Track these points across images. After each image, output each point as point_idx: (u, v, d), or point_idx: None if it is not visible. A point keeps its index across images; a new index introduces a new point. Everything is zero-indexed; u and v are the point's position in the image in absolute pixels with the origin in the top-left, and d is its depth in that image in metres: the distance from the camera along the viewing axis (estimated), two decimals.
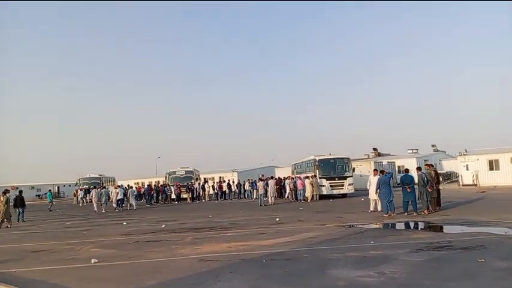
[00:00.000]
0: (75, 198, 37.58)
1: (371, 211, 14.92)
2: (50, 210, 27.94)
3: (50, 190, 33.34)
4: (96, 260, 7.81)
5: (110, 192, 26.22)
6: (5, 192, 17.56)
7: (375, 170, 16.57)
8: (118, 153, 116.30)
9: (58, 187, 69.03)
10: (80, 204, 34.30)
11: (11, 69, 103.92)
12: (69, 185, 47.47)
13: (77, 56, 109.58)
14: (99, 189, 26.10)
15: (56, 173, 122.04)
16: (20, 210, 19.26)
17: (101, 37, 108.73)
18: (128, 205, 25.42)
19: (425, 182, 13.66)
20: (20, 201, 19.45)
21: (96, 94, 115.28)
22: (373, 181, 14.77)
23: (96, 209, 24.43)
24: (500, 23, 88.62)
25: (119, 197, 24.93)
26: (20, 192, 20.37)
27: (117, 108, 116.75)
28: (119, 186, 28.15)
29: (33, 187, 67.53)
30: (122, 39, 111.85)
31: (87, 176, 40.44)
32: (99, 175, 41.59)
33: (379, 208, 14.45)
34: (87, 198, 33.05)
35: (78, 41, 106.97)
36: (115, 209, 24.41)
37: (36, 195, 66.46)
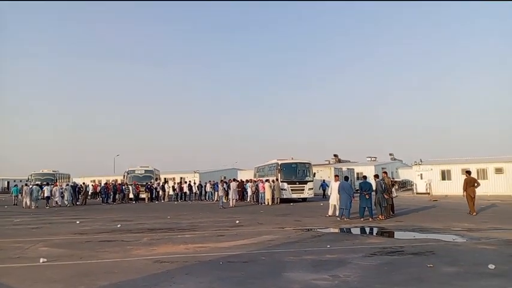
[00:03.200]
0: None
1: (329, 215, 15.23)
2: (15, 205, 27.46)
3: (16, 185, 31.51)
4: (45, 260, 7.43)
5: (41, 190, 26.74)
6: None
7: (336, 175, 16.90)
8: (75, 150, 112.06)
9: (8, 182, 65.62)
10: (14, 202, 29.41)
11: None
12: (20, 181, 45.19)
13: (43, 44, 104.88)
14: (29, 187, 26.74)
15: (6, 168, 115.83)
16: None
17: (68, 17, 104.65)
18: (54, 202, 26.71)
19: (383, 188, 14.12)
20: None
21: (56, 86, 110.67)
22: (334, 187, 15.13)
23: (24, 205, 25.50)
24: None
25: (46, 194, 26.25)
26: None
27: (76, 104, 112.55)
28: (46, 184, 29.63)
29: None
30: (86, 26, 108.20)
31: (40, 172, 38.59)
32: (53, 171, 39.83)
33: (337, 213, 14.78)
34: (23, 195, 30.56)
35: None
36: (37, 206, 24.92)
37: None
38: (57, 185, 28.73)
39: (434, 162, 34.70)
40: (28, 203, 25.23)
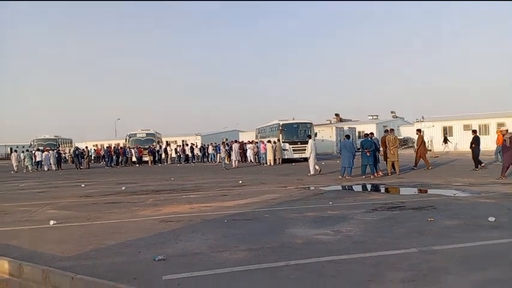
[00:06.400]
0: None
1: (311, 174, 15.65)
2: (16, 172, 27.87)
3: (27, 150, 31.59)
4: (55, 222, 7.58)
5: (33, 155, 28.99)
6: None
7: (309, 136, 17.54)
8: (77, 115, 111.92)
9: (11, 148, 65.87)
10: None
11: None
12: (23, 147, 45.37)
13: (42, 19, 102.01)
14: (17, 153, 29.58)
15: (9, 134, 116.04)
16: None
17: None
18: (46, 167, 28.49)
19: (376, 147, 14.61)
20: None
21: (55, 52, 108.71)
22: (309, 146, 16.04)
23: (15, 169, 27.47)
24: None
25: (38, 159, 28.72)
26: None
27: (77, 68, 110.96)
28: (38, 150, 31.35)
29: None
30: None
31: (42, 137, 38.69)
32: (55, 136, 39.92)
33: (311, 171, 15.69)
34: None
35: None
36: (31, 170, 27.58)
37: None
38: (47, 151, 29.95)
39: (436, 119, 34.55)
40: (15, 168, 27.46)
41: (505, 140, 12.07)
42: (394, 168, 14.81)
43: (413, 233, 5.76)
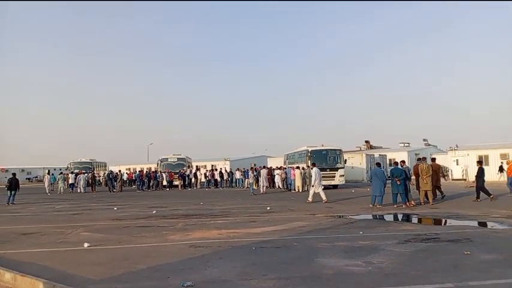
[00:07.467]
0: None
1: (309, 201, 15.97)
2: (52, 190, 29.39)
3: (53, 174, 33.10)
4: (89, 244, 7.78)
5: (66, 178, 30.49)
6: None
7: (313, 163, 18.41)
8: (111, 139, 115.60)
9: (48, 170, 68.42)
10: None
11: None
12: (60, 169, 47.13)
13: (69, 38, 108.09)
14: (50, 175, 30.41)
15: (46, 157, 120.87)
16: (13, 192, 19.10)
17: (91, 16, 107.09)
18: (78, 189, 29.51)
19: (407, 175, 14.16)
20: (15, 184, 19.31)
21: (89, 78, 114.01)
22: (314, 173, 16.21)
23: (47, 191, 28.39)
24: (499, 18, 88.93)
25: (70, 181, 30.25)
26: (14, 174, 20.20)
27: (111, 93, 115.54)
28: (71, 172, 32.95)
29: (23, 170, 66.91)
30: (113, 20, 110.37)
31: (78, 161, 40.14)
32: (90, 160, 41.29)
33: (324, 198, 15.81)
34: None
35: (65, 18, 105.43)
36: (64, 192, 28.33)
37: (27, 179, 65.97)
38: (81, 173, 31.28)
39: (471, 147, 33.45)
40: (49, 188, 28.64)
41: None
42: (427, 198, 14.38)
43: (449, 267, 5.54)
